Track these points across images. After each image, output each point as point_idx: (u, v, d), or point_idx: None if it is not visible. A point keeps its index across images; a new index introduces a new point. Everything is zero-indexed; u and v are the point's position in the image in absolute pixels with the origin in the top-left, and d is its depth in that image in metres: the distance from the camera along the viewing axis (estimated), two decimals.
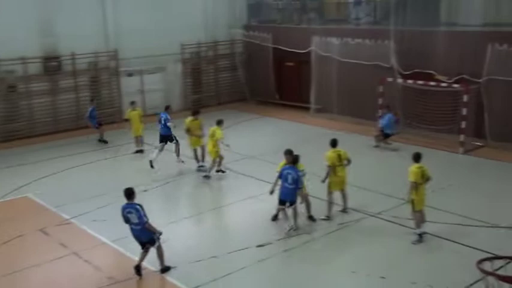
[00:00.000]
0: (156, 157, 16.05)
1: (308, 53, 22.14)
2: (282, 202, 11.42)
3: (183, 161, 16.27)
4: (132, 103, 18.43)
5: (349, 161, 12.16)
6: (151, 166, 15.93)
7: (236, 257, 10.54)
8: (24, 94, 20.22)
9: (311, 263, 10.37)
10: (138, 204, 9.88)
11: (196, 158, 15.95)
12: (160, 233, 9.95)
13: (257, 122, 22.10)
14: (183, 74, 24.23)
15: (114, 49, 21.89)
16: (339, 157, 11.96)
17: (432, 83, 17.45)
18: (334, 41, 21.15)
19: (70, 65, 21.01)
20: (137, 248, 10.26)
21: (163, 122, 16.44)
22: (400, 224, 11.70)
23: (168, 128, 16.36)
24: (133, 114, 17.97)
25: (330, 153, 11.99)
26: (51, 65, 20.68)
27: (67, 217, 12.68)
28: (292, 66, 24.09)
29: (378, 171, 15.49)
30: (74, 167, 16.56)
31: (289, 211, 11.45)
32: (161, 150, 16.31)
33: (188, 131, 15.67)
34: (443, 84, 17.28)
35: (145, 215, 9.78)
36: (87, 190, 14.45)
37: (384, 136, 17.53)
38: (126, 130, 18.34)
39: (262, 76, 24.84)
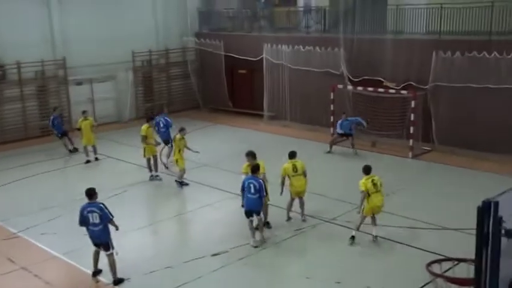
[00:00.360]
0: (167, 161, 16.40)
1: (260, 61, 22.29)
2: (248, 213, 11.25)
3: (167, 167, 16.22)
4: (84, 112, 18.12)
5: (305, 174, 12.25)
6: (166, 167, 16.31)
7: (192, 267, 10.44)
8: None
9: (266, 270, 10.39)
10: (101, 203, 9.77)
11: (149, 167, 15.66)
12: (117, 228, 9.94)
13: (210, 129, 22.04)
14: (134, 82, 23.91)
15: (62, 57, 21.39)
16: (295, 167, 12.09)
17: (381, 90, 17.89)
18: (285, 48, 21.38)
19: (15, 74, 20.37)
20: (90, 261, 10.03)
21: (162, 125, 16.66)
22: (352, 229, 11.87)
23: (168, 132, 16.51)
24: (85, 123, 17.62)
25: (286, 164, 12.18)
26: None
27: (14, 231, 12.25)
28: (244, 73, 24.18)
29: (331, 176, 15.72)
30: (21, 179, 16.03)
31: (255, 221, 11.26)
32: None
33: (145, 138, 15.34)
34: (392, 91, 17.74)
35: (110, 213, 9.78)
36: (36, 202, 14.02)
37: (346, 136, 17.73)
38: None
39: (215, 84, 24.82)
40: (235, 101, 24.65)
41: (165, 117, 16.90)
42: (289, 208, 12.45)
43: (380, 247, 11.09)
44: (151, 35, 24.34)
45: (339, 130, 17.84)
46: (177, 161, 14.79)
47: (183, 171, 14.83)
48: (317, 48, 20.31)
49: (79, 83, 22.43)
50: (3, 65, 20.20)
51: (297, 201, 12.33)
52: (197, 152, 15.11)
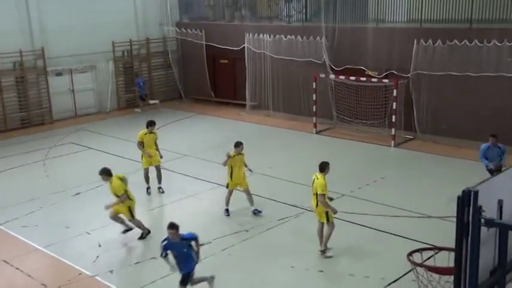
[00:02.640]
0: None
1: (242, 50, 22.18)
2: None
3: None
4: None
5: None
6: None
7: None
8: None
9: (250, 260, 10.39)
10: None
11: (147, 178, 13.63)
12: None
13: (192, 120, 21.92)
14: (115, 72, 23.65)
15: (41, 47, 21.04)
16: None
17: (363, 79, 17.94)
18: (267, 38, 21.30)
19: None
20: (72, 254, 9.93)
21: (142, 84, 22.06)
22: (336, 218, 11.92)
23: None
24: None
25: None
26: None
27: None
28: (226, 63, 24.04)
29: (311, 166, 15.70)
30: (1, 172, 15.80)
31: None
32: None
33: (141, 144, 13.37)
34: (374, 80, 17.80)
35: None
36: (16, 195, 13.82)
37: None
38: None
39: (197, 74, 24.66)
40: (217, 91, 24.52)
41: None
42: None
43: (364, 236, 11.16)
44: (132, 24, 24.05)
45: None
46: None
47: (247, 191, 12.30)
48: (299, 37, 20.26)
49: (59, 74, 22.11)
50: None
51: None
52: (251, 171, 12.56)
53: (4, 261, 10.47)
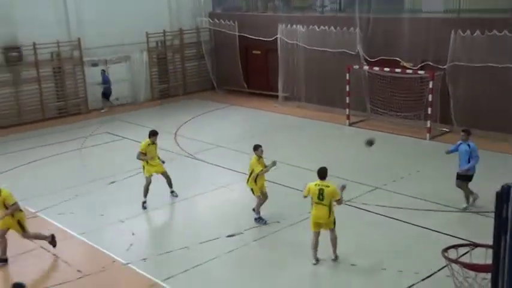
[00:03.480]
0: None
1: (274, 41, 22.07)
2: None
3: None
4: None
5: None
6: None
7: (207, 247, 10.48)
8: None
9: (281, 251, 10.39)
10: None
11: (146, 191, 12.54)
12: None
13: (225, 111, 21.98)
14: (148, 63, 23.86)
15: (77, 38, 21.38)
16: (321, 193, 9.78)
17: (398, 70, 17.64)
18: (300, 28, 21.14)
19: (32, 56, 20.42)
20: (106, 241, 10.11)
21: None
22: (368, 211, 11.83)
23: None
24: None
25: (312, 184, 9.70)
26: (12, 55, 20.07)
27: (33, 210, 12.38)
28: (259, 54, 23.99)
29: (344, 158, 15.61)
30: (39, 160, 16.18)
31: None
32: None
33: (143, 155, 12.52)
34: (409, 71, 17.49)
35: None
36: (53, 183, 14.14)
37: None
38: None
39: (229, 65, 24.68)
40: (250, 82, 24.51)
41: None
42: (313, 247, 9.85)
43: (396, 229, 11.02)
44: (165, 15, 24.19)
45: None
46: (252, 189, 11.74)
47: (264, 197, 11.68)
48: (332, 28, 20.04)
49: (94, 64, 22.45)
50: (20, 46, 20.25)
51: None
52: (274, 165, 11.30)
53: (42, 247, 10.73)
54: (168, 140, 14.00)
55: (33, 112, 20.65)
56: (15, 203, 10.04)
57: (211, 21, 25.05)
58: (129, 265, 9.96)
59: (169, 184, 13.05)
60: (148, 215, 12.11)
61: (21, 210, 10.26)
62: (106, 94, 22.25)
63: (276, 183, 12.78)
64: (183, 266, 9.83)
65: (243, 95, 24.21)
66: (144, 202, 12.50)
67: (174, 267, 9.84)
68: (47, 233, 10.75)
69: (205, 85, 25.57)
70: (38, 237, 10.64)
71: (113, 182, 14.03)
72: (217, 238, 10.82)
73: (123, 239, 10.93)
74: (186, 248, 10.48)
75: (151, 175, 12.61)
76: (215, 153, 16.24)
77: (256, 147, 11.31)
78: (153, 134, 12.63)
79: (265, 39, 22.36)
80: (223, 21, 24.38)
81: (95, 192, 13.53)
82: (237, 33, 23.84)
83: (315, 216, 9.68)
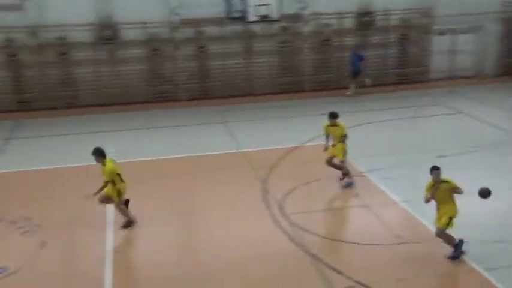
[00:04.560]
0: None
1: None
2: None
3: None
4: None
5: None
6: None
7: None
8: (336, 48, 21.21)
9: None
10: None
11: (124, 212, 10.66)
12: None
13: None
14: (500, 35, 21.97)
15: (429, 6, 21.12)
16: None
17: None
18: None
19: (384, 21, 21.08)
20: (426, 213, 9.87)
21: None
22: None
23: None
24: None
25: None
26: (364, 20, 21.15)
27: (361, 170, 13.05)
28: None
29: None
30: (371, 123, 16.88)
31: None
32: None
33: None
34: None
35: None
36: (381, 147, 14.60)
37: None
38: None
39: None
40: None
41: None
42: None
43: None
44: None
45: None
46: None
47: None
48: None
49: (442, 33, 21.91)
50: (373, 12, 21.13)
51: None
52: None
53: (365, 206, 11.28)
54: None
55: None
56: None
57: None
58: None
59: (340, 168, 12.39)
60: (473, 198, 11.34)
61: (123, 181, 10.36)
62: (356, 73, 20.47)
63: None
64: (503, 260, 8.97)
65: None
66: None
67: (503, 259, 9.02)
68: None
69: None
70: (124, 213, 10.56)
71: (441, 156, 13.63)
72: None
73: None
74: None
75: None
76: None
77: None
78: (335, 115, 11.99)
79: None
80: None
81: (421, 164, 13.37)
82: None
83: None
